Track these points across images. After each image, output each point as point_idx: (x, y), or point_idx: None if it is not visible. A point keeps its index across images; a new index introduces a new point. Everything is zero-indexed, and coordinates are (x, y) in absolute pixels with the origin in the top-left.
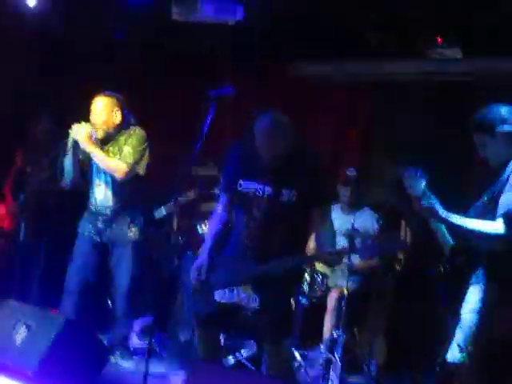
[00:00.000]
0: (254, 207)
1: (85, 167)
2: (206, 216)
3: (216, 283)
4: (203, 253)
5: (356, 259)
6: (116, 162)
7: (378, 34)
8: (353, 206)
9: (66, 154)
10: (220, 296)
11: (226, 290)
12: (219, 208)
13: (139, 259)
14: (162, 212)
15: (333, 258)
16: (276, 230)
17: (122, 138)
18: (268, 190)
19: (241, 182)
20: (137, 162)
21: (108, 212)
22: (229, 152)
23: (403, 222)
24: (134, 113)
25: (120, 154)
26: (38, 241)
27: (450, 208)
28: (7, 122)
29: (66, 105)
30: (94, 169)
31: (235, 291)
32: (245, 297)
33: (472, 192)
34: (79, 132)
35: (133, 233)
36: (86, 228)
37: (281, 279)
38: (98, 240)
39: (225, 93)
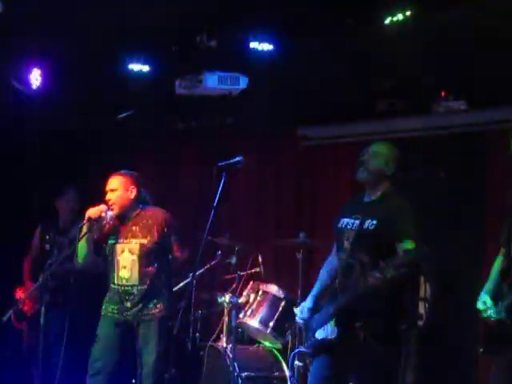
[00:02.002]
0: (345, 240)
1: (102, 248)
2: (224, 286)
3: (317, 323)
4: (310, 295)
5: None
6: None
7: (387, 99)
8: None
9: (82, 237)
10: (318, 334)
11: (322, 329)
12: (331, 254)
13: (164, 335)
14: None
15: None
16: (359, 261)
17: (147, 220)
18: (356, 222)
19: (340, 219)
20: None
21: (135, 291)
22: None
23: (422, 279)
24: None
25: (150, 236)
26: (60, 324)
27: None
28: (28, 199)
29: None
30: (117, 250)
31: (326, 328)
32: (331, 331)
33: None
34: (94, 213)
35: (158, 309)
36: (109, 309)
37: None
38: (122, 319)
39: (234, 163)
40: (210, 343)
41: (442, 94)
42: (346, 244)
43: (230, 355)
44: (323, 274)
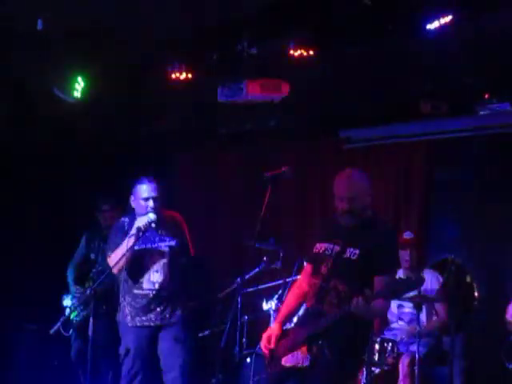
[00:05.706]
0: (322, 265)
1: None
2: (268, 292)
3: (284, 350)
4: (275, 322)
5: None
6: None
7: (430, 101)
8: (414, 269)
9: (132, 247)
10: (285, 361)
11: (290, 356)
12: (300, 277)
13: (190, 337)
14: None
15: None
16: (335, 287)
17: (169, 223)
18: (336, 248)
19: (317, 244)
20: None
21: (165, 294)
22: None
23: (469, 278)
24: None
25: (176, 238)
26: (105, 333)
27: None
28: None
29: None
30: (146, 254)
31: (295, 355)
32: (300, 358)
33: None
34: (144, 223)
35: (180, 311)
36: (135, 316)
37: (329, 335)
38: (149, 324)
39: (281, 174)
40: (256, 350)
41: (486, 96)
42: (324, 269)
43: None
44: (290, 299)
